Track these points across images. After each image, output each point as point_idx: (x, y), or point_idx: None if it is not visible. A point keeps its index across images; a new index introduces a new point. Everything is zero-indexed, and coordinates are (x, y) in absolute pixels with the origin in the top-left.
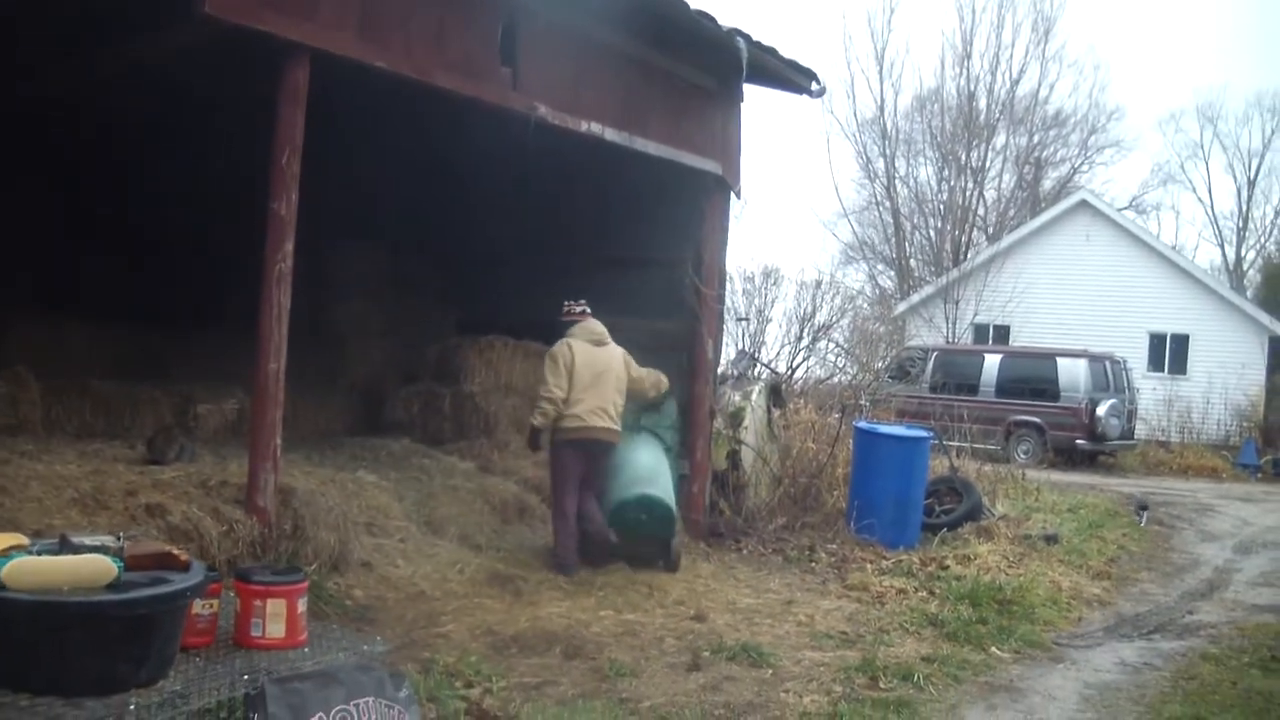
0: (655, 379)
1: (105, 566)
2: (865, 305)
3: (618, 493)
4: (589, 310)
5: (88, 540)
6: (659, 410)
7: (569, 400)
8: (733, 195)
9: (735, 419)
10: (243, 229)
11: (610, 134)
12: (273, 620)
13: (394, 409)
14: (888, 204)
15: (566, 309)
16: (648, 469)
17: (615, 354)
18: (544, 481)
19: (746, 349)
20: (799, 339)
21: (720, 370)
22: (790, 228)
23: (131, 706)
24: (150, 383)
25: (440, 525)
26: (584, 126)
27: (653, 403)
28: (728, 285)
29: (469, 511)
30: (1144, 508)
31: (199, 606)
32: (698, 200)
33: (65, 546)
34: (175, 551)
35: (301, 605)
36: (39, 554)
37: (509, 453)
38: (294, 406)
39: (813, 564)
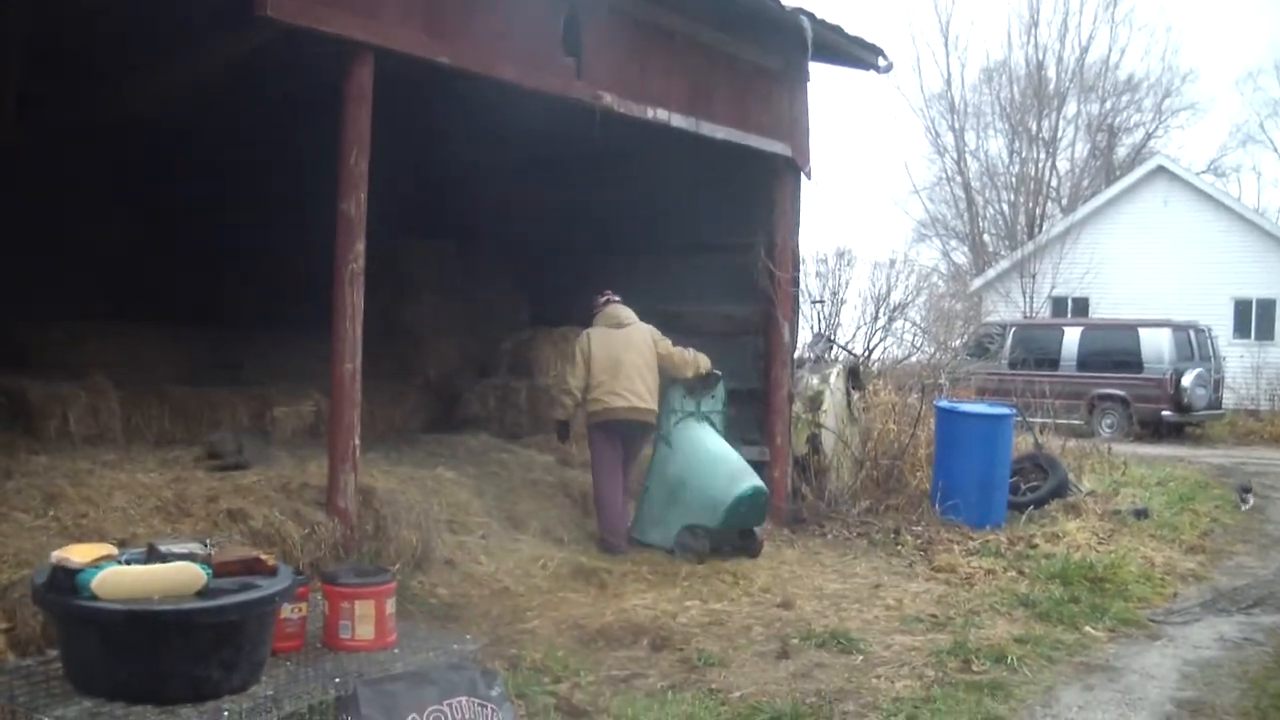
0: (690, 356)
1: (195, 574)
2: (940, 283)
3: (725, 489)
4: (615, 299)
5: (175, 548)
6: (712, 394)
7: (591, 386)
8: (803, 176)
9: (814, 402)
10: (314, 230)
11: (677, 120)
12: (361, 622)
13: (469, 404)
14: (959, 179)
15: (594, 302)
16: (739, 459)
17: (637, 333)
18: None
19: (822, 332)
20: (875, 319)
21: (797, 354)
22: (862, 207)
23: (225, 713)
24: (226, 387)
25: (521, 520)
26: (650, 113)
27: (701, 384)
28: (801, 268)
29: (550, 505)
30: (1247, 490)
31: (288, 611)
32: (767, 183)
33: (153, 555)
34: (262, 556)
35: (390, 606)
36: (127, 563)
37: (586, 446)
38: (370, 406)
39: (898, 547)
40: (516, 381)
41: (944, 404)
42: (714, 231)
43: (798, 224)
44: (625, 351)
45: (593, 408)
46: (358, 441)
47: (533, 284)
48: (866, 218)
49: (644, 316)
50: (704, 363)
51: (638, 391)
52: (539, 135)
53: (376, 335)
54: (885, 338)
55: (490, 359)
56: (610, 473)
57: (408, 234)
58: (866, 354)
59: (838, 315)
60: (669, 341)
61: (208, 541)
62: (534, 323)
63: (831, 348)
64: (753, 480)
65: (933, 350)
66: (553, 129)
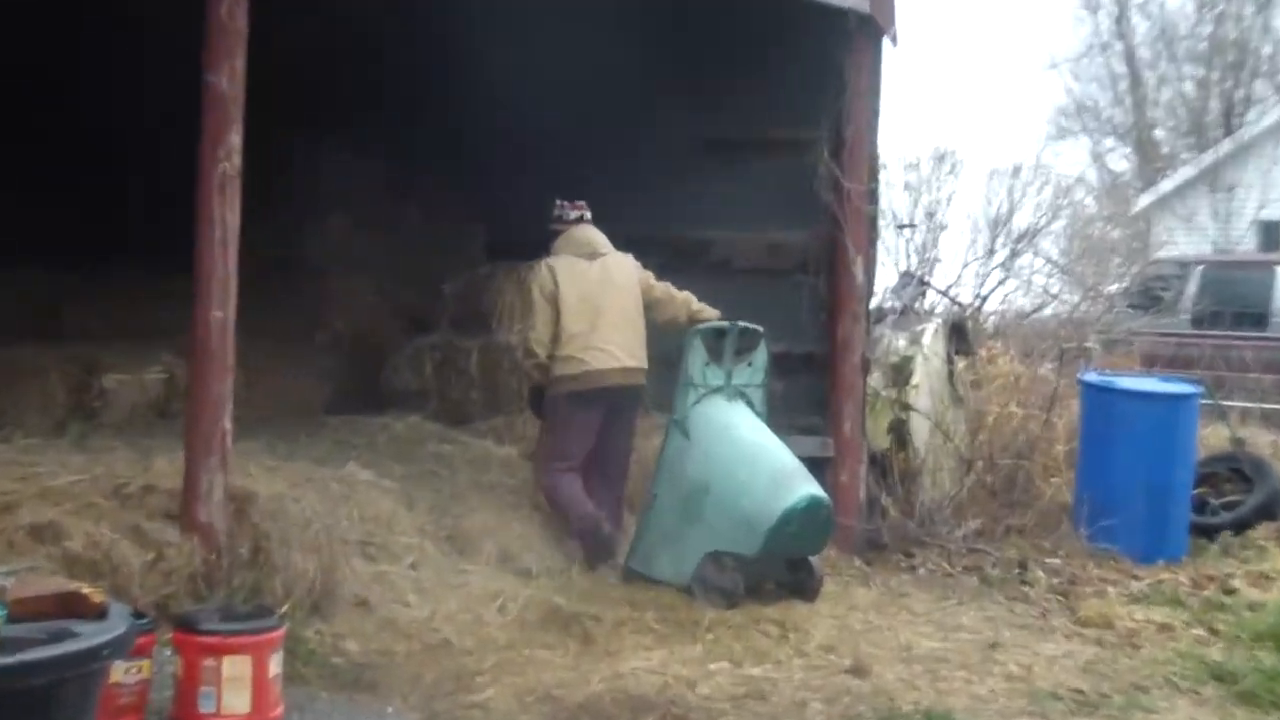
0: (686, 299)
1: None
2: (1089, 200)
3: (768, 500)
4: (587, 213)
5: None
6: (748, 360)
7: (561, 340)
8: (885, 42)
9: (900, 373)
10: (165, 118)
11: None
12: (232, 688)
13: (397, 372)
14: (1119, 46)
15: (557, 212)
16: (789, 456)
17: (618, 267)
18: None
19: (913, 270)
20: (990, 253)
21: (875, 302)
22: (974, 90)
23: None
24: (32, 345)
25: (470, 542)
26: None
27: (735, 344)
28: (882, 177)
29: (511, 520)
30: None
31: (121, 671)
32: (833, 51)
33: None
34: (84, 591)
35: (274, 665)
36: None
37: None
38: (250, 373)
39: (1025, 587)
40: (464, 340)
41: (1093, 378)
42: (753, 122)
43: (877, 113)
44: (605, 290)
45: (564, 369)
46: (230, 425)
47: (489, 202)
48: (980, 105)
49: (654, 246)
50: (710, 312)
51: (627, 345)
52: None
53: (262, 271)
54: (1006, 280)
55: (427, 308)
56: (574, 464)
57: (308, 129)
58: (978, 304)
59: (935, 247)
60: (652, 277)
61: (5, 570)
62: (491, 256)
63: (926, 294)
64: (808, 487)
65: (1077, 299)
66: None
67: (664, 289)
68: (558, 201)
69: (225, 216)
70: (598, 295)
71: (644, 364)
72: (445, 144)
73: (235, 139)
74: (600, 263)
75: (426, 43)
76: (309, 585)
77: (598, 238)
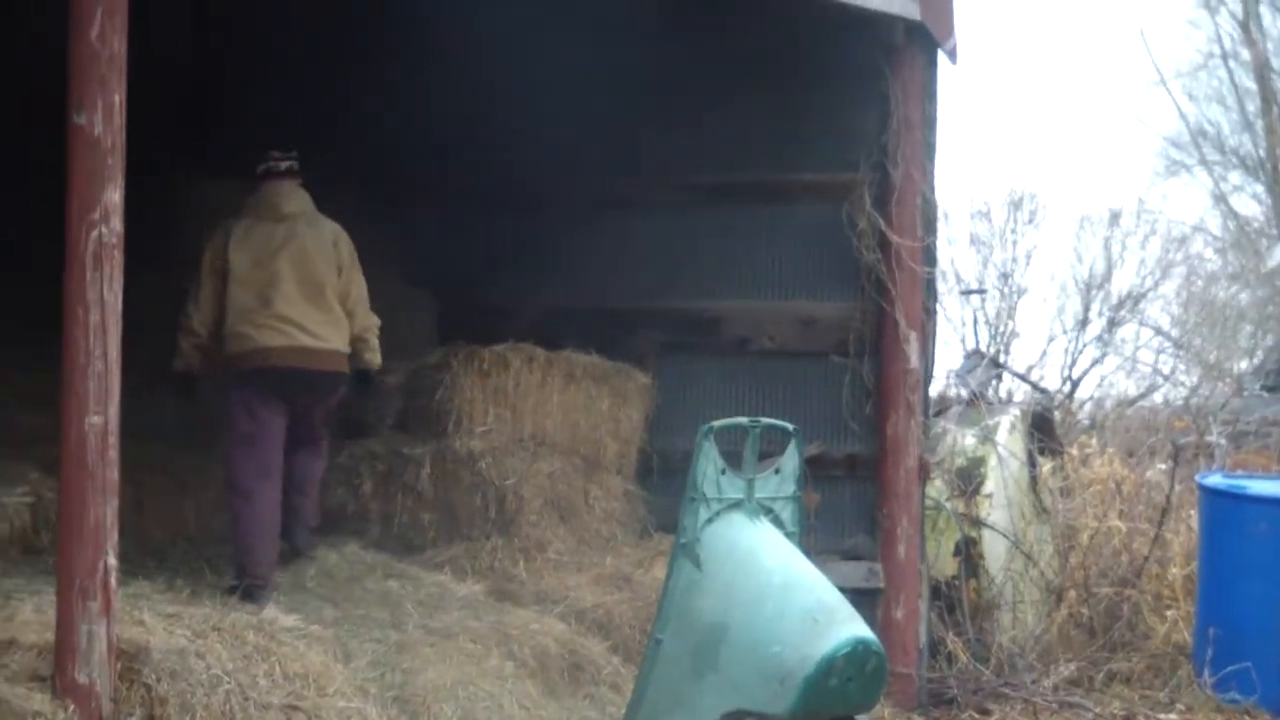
0: (364, 324)
1: None
2: (1209, 253)
3: (803, 644)
4: (283, 165)
5: None
6: (775, 467)
7: (228, 313)
8: (942, 59)
9: (968, 478)
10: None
11: None
12: None
13: (329, 488)
14: (1245, 56)
15: (264, 165)
16: (828, 588)
17: (312, 233)
18: (613, 614)
19: (983, 349)
20: (1082, 324)
21: (936, 390)
22: (1058, 117)
23: None
24: None
25: (423, 704)
26: None
27: (764, 445)
28: (941, 230)
29: (480, 678)
30: None
31: None
32: (875, 69)
33: None
34: None
35: None
36: None
37: (548, 562)
38: (142, 492)
39: None
40: (412, 447)
41: (1218, 482)
42: (775, 162)
43: (933, 148)
44: (286, 260)
45: (233, 347)
46: (114, 560)
47: (442, 262)
48: (1067, 137)
49: (650, 321)
50: (370, 357)
51: (307, 323)
52: None
53: (158, 349)
54: (1103, 357)
55: (364, 402)
56: (265, 463)
57: (208, 166)
58: (1067, 389)
59: (1012, 317)
60: (353, 259)
61: None
62: (445, 335)
63: (1000, 377)
64: (853, 628)
65: (1195, 380)
66: None
67: (356, 280)
68: (272, 152)
69: (103, 295)
70: (276, 263)
71: (335, 346)
72: (389, 188)
73: (114, 196)
74: (288, 226)
75: (362, 59)
76: None
77: (292, 197)
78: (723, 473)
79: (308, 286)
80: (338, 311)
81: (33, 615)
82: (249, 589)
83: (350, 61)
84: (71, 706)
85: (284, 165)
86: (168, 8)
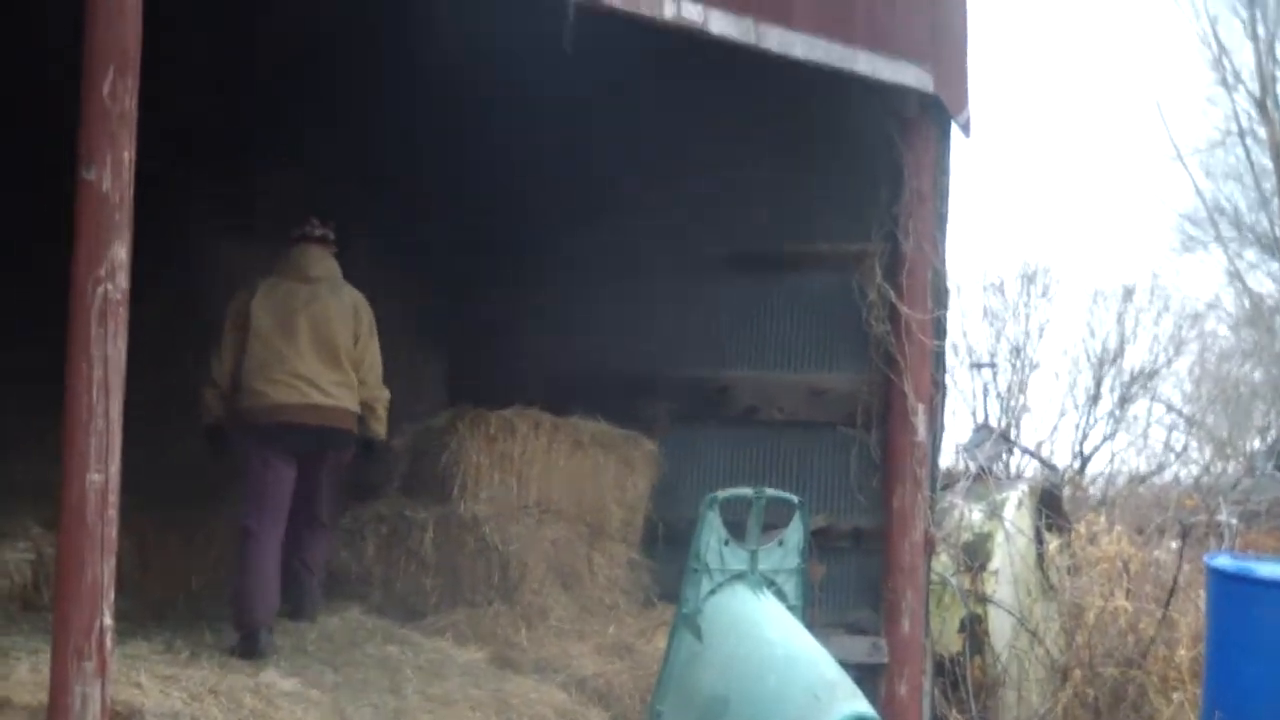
0: (374, 394)
1: None
2: (1222, 330)
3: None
4: (317, 232)
5: None
6: (779, 539)
7: (245, 370)
8: (954, 129)
9: (975, 555)
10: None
11: (718, 22)
12: None
13: (332, 551)
14: (1262, 134)
15: (301, 229)
16: (830, 663)
17: (334, 298)
18: (613, 684)
19: (991, 423)
20: (1094, 399)
21: (944, 464)
22: (1072, 191)
23: None
24: None
25: None
26: (668, 10)
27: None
28: (950, 301)
29: None
30: None
31: None
32: (887, 142)
33: None
34: None
35: None
36: None
37: (549, 629)
38: (145, 550)
39: None
40: (416, 508)
41: (1226, 563)
42: (786, 232)
43: (945, 221)
44: (305, 319)
45: (248, 402)
46: (111, 620)
47: (451, 325)
48: (1081, 210)
49: (659, 389)
50: (376, 427)
51: (319, 381)
52: (471, 56)
53: (161, 407)
54: (1114, 434)
55: (370, 465)
56: (274, 514)
57: (225, 227)
58: (1077, 465)
59: (1022, 392)
60: (370, 329)
61: None
62: (453, 398)
63: (1009, 452)
64: (855, 704)
65: (1207, 458)
66: (494, 44)
67: (370, 347)
68: (312, 218)
69: (107, 352)
70: (295, 322)
71: (343, 404)
72: (402, 250)
73: (121, 253)
74: (313, 289)
75: (381, 125)
76: None
77: (320, 262)
78: (726, 543)
79: (323, 348)
80: (351, 376)
81: (28, 675)
82: (245, 638)
83: (380, 121)
84: None
85: (319, 232)
86: (195, 71)
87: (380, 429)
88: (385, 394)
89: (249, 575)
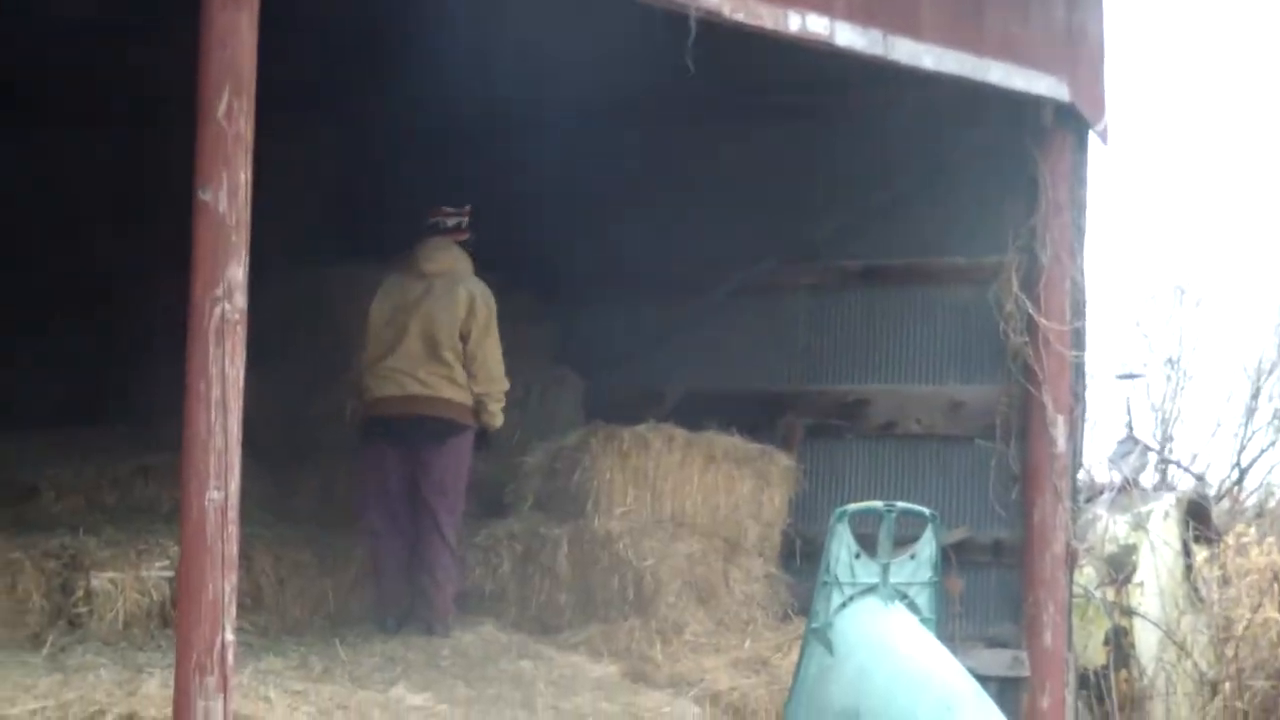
0: (486, 389)
1: None
2: None
3: None
4: (448, 223)
5: None
6: (910, 552)
7: (363, 369)
8: (1093, 138)
9: (1119, 567)
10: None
11: (845, 34)
12: None
13: (468, 567)
14: None
15: (433, 219)
16: (965, 678)
17: (447, 293)
18: (748, 698)
19: (1137, 435)
20: (1249, 413)
21: (1084, 475)
22: (1224, 197)
23: None
24: (3, 534)
25: None
26: (793, 23)
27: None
28: (1096, 312)
29: None
30: None
31: None
32: (1022, 152)
33: None
34: None
35: None
36: None
37: (684, 644)
38: (283, 568)
39: None
40: (550, 528)
41: None
42: (921, 245)
43: (1083, 231)
44: (416, 316)
45: (361, 397)
46: (232, 635)
47: (590, 343)
48: (1232, 218)
49: (798, 404)
50: (492, 418)
51: (415, 372)
52: (588, 74)
53: (287, 427)
54: (1272, 445)
55: (506, 484)
56: (391, 508)
57: (343, 254)
58: (1234, 479)
59: (1174, 402)
60: (496, 339)
61: None
62: (588, 415)
63: (1155, 465)
64: (986, 717)
65: None
66: (614, 59)
67: (486, 342)
68: (443, 207)
69: (224, 371)
70: (405, 318)
71: (441, 393)
72: (534, 276)
73: (237, 273)
74: (428, 283)
75: (500, 148)
76: None
77: (437, 255)
78: (857, 557)
79: (427, 343)
80: (454, 368)
81: (156, 690)
82: (377, 614)
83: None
84: None
85: (450, 223)
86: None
87: (492, 421)
88: (500, 386)
89: (379, 568)
